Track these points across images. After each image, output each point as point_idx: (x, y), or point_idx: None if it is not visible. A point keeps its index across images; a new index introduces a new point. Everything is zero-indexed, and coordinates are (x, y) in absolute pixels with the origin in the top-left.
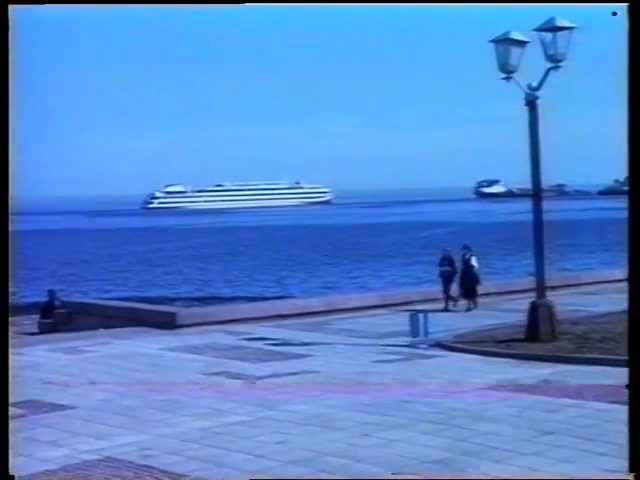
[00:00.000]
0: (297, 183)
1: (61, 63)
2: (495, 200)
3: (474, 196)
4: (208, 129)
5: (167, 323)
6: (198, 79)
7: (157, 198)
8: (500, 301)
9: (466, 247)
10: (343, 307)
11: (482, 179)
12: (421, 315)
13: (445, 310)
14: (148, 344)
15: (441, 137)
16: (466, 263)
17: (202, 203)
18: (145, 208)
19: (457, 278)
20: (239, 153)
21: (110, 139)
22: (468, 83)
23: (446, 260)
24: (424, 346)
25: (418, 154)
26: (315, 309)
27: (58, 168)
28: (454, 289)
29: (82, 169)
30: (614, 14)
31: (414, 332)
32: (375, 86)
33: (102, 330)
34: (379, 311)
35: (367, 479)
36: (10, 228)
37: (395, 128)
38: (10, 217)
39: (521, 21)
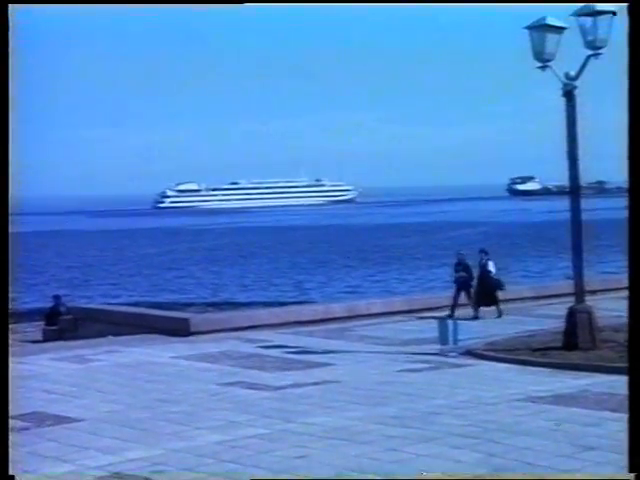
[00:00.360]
0: (318, 181)
1: (62, 61)
2: (530, 198)
3: (507, 194)
4: (223, 125)
5: (180, 330)
6: (210, 73)
7: (168, 197)
8: (535, 306)
9: (483, 251)
10: (366, 313)
11: (515, 175)
12: (450, 321)
13: (450, 317)
14: (159, 352)
15: (472, 132)
16: (483, 268)
17: (216, 202)
18: (156, 208)
19: (473, 284)
20: (255, 149)
21: (117, 135)
22: (501, 74)
23: (461, 265)
24: (453, 354)
25: (447, 149)
26: (336, 315)
27: (61, 165)
28: (466, 296)
29: (87, 167)
30: (614, 14)
31: (443, 339)
32: (401, 78)
33: (110, 337)
34: (404, 317)
35: (369, 479)
36: (10, 230)
37: (423, 122)
38: (10, 218)
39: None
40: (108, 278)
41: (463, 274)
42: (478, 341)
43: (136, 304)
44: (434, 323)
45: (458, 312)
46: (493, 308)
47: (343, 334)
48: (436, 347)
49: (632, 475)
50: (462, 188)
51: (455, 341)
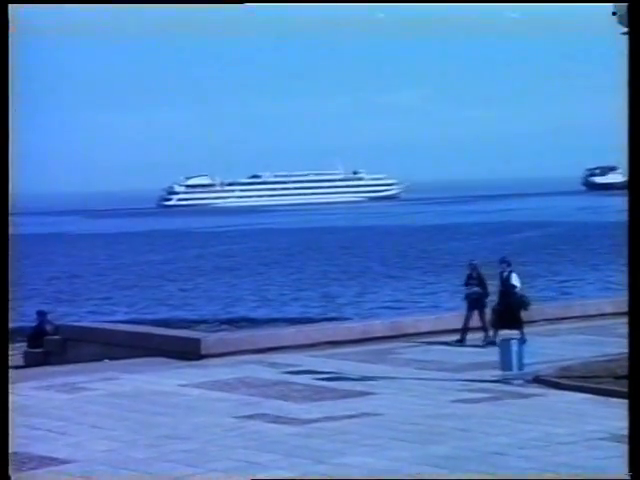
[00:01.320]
0: (355, 173)
1: (61, 55)
2: (611, 193)
3: (583, 188)
4: (241, 106)
5: (189, 353)
6: (228, 45)
7: (176, 193)
8: (618, 324)
9: (504, 261)
10: (413, 331)
11: (593, 166)
12: (514, 342)
13: (460, 342)
14: (165, 379)
15: (538, 113)
16: (505, 282)
17: (233, 200)
18: (161, 206)
19: (491, 301)
20: (281, 135)
21: (115, 120)
22: (571, 40)
23: (474, 278)
24: (519, 382)
25: (509, 135)
26: (377, 334)
27: (59, 158)
28: (479, 316)
29: (86, 158)
30: (614, 14)
31: (505, 363)
32: (452, 52)
33: (107, 362)
34: (459, 336)
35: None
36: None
37: (479, 103)
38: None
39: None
40: (99, 291)
41: (477, 289)
42: (548, 366)
43: (136, 322)
44: (495, 344)
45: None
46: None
47: (385, 357)
48: (497, 373)
49: (632, 475)
50: (529, 181)
51: (520, 366)
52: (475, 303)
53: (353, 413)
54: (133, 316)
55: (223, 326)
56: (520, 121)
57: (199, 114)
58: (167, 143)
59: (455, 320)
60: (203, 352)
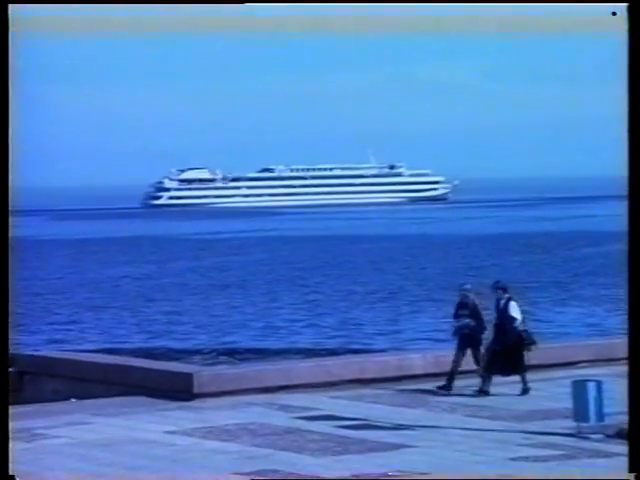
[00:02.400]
0: (391, 168)
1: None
2: None
3: None
4: (248, 83)
5: (179, 391)
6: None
7: (167, 190)
8: None
9: (499, 287)
10: (461, 369)
11: None
12: (592, 384)
13: (445, 388)
14: (148, 425)
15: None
16: (501, 314)
17: (238, 199)
18: (148, 205)
19: (487, 338)
20: (298, 120)
21: (97, 98)
22: None
23: (466, 308)
24: (598, 436)
25: (594, 119)
26: (416, 370)
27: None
28: (472, 357)
29: (51, 146)
30: (614, 14)
31: (580, 412)
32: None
33: (74, 401)
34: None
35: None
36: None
37: (550, 79)
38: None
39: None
40: (64, 313)
41: (469, 321)
42: None
43: (111, 352)
44: (567, 386)
45: (606, 370)
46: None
47: (426, 400)
48: (570, 424)
49: (632, 475)
50: (617, 180)
51: (600, 416)
52: (467, 340)
53: (385, 471)
54: (107, 345)
55: (221, 358)
56: (606, 103)
57: (199, 95)
58: (157, 128)
59: None
60: (196, 390)
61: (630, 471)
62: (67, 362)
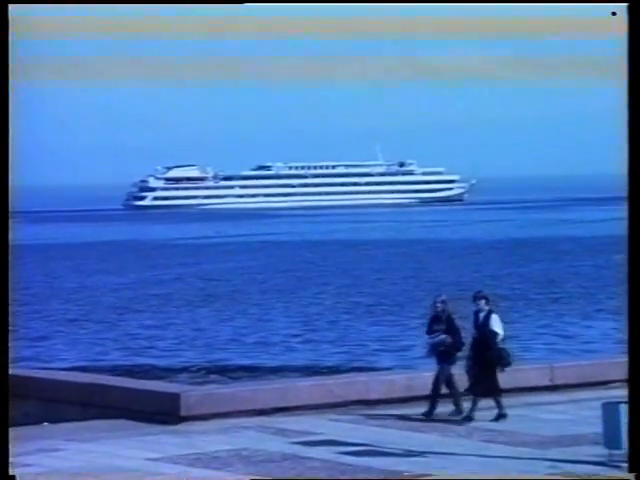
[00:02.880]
0: (401, 166)
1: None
2: None
3: None
4: (245, 71)
5: (164, 413)
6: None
7: (152, 189)
8: None
9: (479, 296)
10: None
11: None
12: (624, 407)
13: (427, 415)
14: (130, 451)
15: None
16: (481, 328)
17: (231, 199)
18: (130, 207)
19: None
20: (298, 113)
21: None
22: None
23: (440, 321)
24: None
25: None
26: (426, 391)
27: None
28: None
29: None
30: (614, 14)
31: (612, 438)
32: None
33: (46, 425)
34: (546, 396)
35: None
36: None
37: (573, 68)
38: None
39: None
40: (34, 327)
41: (444, 337)
42: None
43: (87, 370)
44: (596, 408)
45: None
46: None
47: (438, 423)
48: (601, 451)
49: (632, 475)
50: None
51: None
52: (443, 358)
53: None
54: (82, 362)
55: (211, 376)
56: None
57: (188, 84)
58: (141, 122)
59: (540, 374)
60: (183, 413)
61: (630, 471)
62: (38, 382)
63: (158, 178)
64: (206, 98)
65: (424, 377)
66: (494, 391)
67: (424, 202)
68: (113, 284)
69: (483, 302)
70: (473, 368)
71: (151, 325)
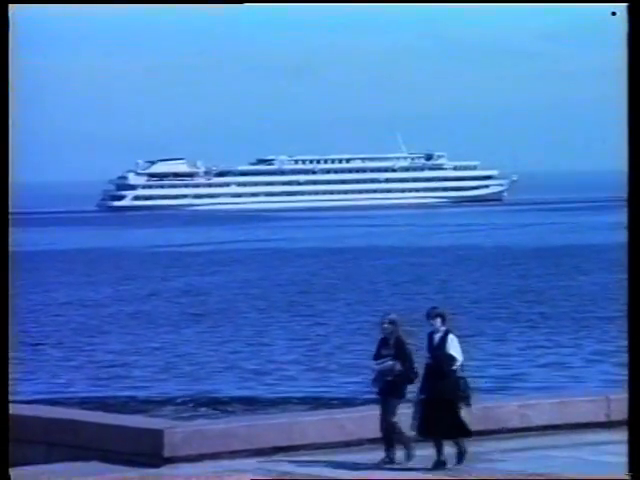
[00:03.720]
0: (429, 159)
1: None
2: None
3: None
4: (245, 47)
5: (145, 454)
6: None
7: (132, 187)
8: None
9: (434, 314)
10: (519, 425)
11: None
12: None
13: (387, 462)
14: None
15: None
16: (435, 352)
17: (226, 199)
18: (106, 208)
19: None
20: (305, 95)
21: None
22: None
23: (389, 345)
24: None
25: None
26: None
27: None
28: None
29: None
30: (614, 14)
31: None
32: None
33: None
34: (602, 434)
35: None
36: None
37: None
38: None
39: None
40: None
41: (392, 363)
42: None
43: (53, 403)
44: None
45: None
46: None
47: (469, 466)
48: None
49: (632, 475)
50: None
51: None
52: (390, 389)
53: None
54: (44, 395)
55: (200, 410)
56: None
57: (175, 67)
58: (120, 111)
59: (589, 408)
60: (167, 453)
61: (630, 471)
62: None
63: (139, 174)
64: (193, 78)
65: None
66: (456, 431)
67: (455, 202)
68: (81, 300)
69: (438, 321)
70: (425, 402)
71: (127, 349)
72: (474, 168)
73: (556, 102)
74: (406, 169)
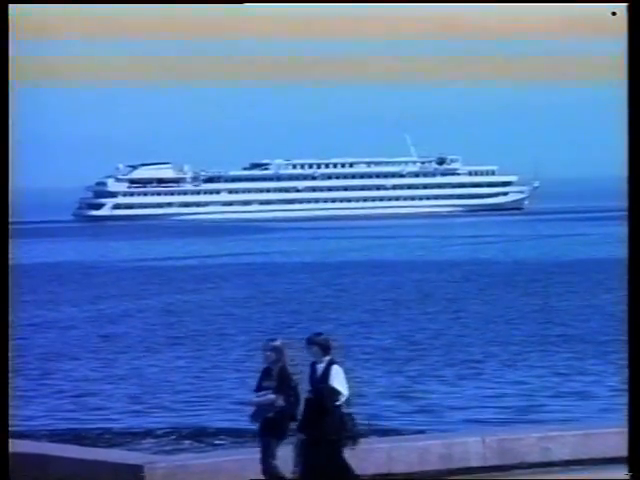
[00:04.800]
0: (441, 163)
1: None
2: None
3: None
4: (237, 44)
5: None
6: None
7: (112, 195)
8: None
9: (312, 342)
10: (539, 458)
11: None
12: None
13: None
14: None
15: None
16: (316, 385)
17: (215, 208)
18: (83, 218)
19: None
20: (303, 94)
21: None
22: None
23: (272, 376)
24: None
25: None
26: (472, 462)
27: None
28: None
29: None
30: (614, 14)
31: None
32: None
33: None
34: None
35: None
36: None
37: None
38: None
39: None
40: None
41: (273, 397)
42: None
43: (22, 435)
44: None
45: None
46: None
47: None
48: None
49: (632, 475)
50: None
51: None
52: (271, 427)
53: None
54: (13, 427)
55: (183, 442)
56: None
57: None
58: (99, 111)
59: (617, 440)
60: None
61: (630, 471)
62: None
63: (120, 180)
64: (179, 76)
65: (468, 443)
66: (339, 477)
67: (470, 211)
68: (46, 321)
69: (315, 350)
70: (305, 443)
71: (101, 376)
72: (492, 173)
73: (585, 101)
74: (416, 175)
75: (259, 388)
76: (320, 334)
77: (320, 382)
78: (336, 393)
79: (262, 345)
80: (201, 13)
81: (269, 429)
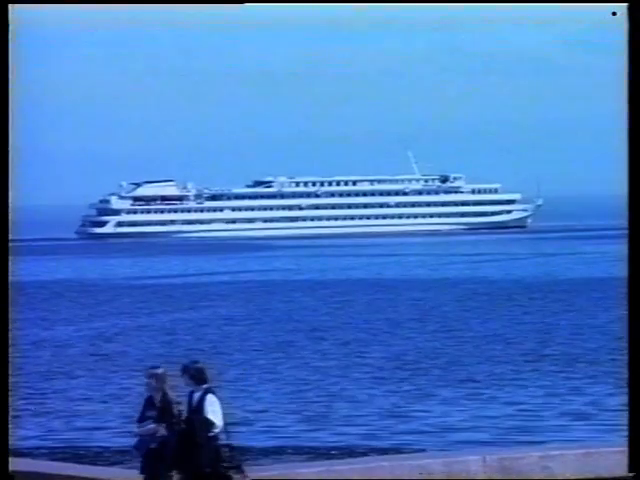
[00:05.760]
0: (444, 181)
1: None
2: None
3: None
4: (240, 57)
5: None
6: None
7: (114, 212)
8: None
9: (191, 369)
10: (542, 477)
11: None
12: None
13: None
14: None
15: None
16: (190, 415)
17: (218, 226)
18: (86, 235)
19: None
20: (307, 110)
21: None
22: None
23: (154, 404)
24: None
25: None
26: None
27: None
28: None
29: None
30: (614, 14)
31: None
32: None
33: None
34: None
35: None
36: None
37: None
38: None
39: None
40: None
41: (154, 427)
42: None
43: (13, 454)
44: None
45: None
46: None
47: None
48: None
49: (632, 475)
50: None
51: None
52: (152, 461)
53: None
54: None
55: None
56: None
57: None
58: (102, 126)
59: (618, 458)
60: None
61: (630, 471)
62: None
63: (123, 197)
64: (182, 90)
65: (469, 462)
66: None
67: (474, 229)
68: (41, 340)
69: (188, 379)
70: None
71: (98, 396)
72: (495, 191)
73: (586, 118)
74: (419, 192)
75: (142, 418)
76: (196, 362)
77: (194, 412)
78: (209, 424)
79: (144, 373)
80: (205, 26)
81: (152, 463)
